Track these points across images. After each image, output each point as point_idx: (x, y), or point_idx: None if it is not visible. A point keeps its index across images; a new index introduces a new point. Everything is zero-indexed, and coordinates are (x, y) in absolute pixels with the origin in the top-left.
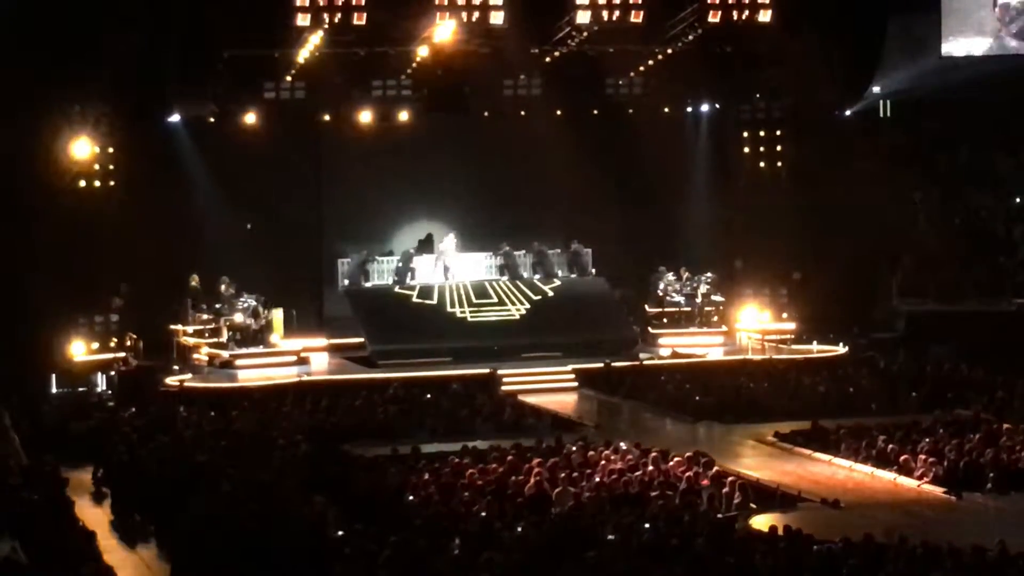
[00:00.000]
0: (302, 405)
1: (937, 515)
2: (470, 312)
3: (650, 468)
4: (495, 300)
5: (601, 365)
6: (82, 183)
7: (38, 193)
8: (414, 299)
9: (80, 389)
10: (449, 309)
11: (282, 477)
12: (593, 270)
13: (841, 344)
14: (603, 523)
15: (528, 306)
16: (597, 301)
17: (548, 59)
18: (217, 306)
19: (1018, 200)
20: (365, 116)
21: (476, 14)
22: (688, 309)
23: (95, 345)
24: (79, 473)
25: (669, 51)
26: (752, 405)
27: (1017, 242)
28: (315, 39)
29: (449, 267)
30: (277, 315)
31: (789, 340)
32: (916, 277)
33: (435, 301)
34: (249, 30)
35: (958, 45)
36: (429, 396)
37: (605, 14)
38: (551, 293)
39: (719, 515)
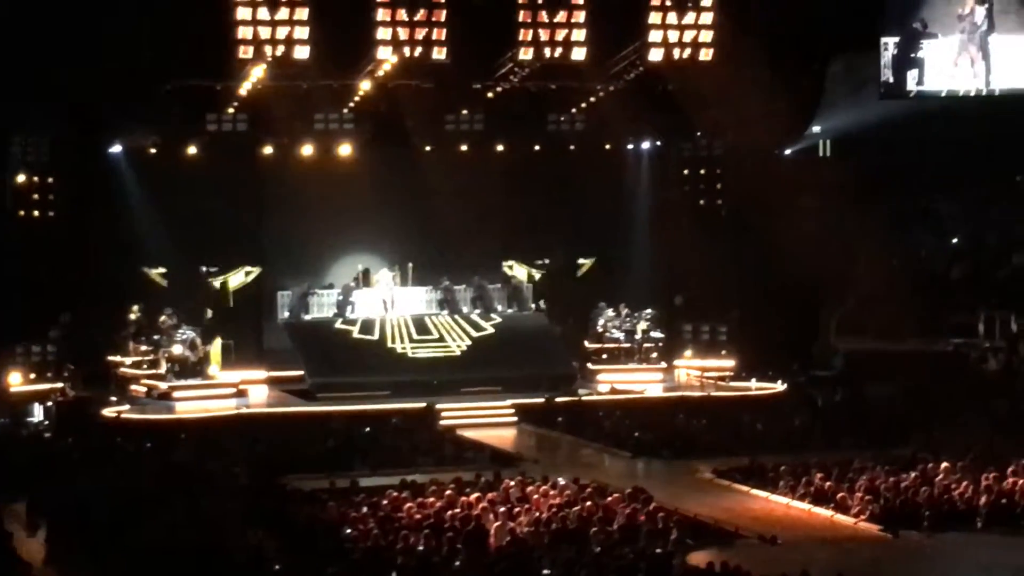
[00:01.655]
0: (241, 437)
1: (874, 553)
2: (411, 347)
3: (588, 504)
4: (436, 336)
5: (540, 400)
6: (22, 212)
7: None
8: (355, 334)
9: (16, 420)
10: (390, 344)
11: (220, 509)
12: (533, 305)
13: (780, 382)
14: (541, 558)
15: (469, 342)
16: (536, 336)
17: (490, 94)
18: (156, 337)
19: (956, 241)
20: (307, 149)
21: (419, 49)
22: (627, 345)
23: (33, 375)
24: (14, 505)
25: (611, 88)
26: (690, 441)
27: (955, 282)
28: (258, 72)
29: (388, 301)
30: (216, 346)
31: (728, 377)
32: (855, 316)
33: (376, 336)
34: (192, 62)
35: (902, 82)
36: (368, 429)
37: (547, 51)
38: (491, 330)
39: (657, 551)
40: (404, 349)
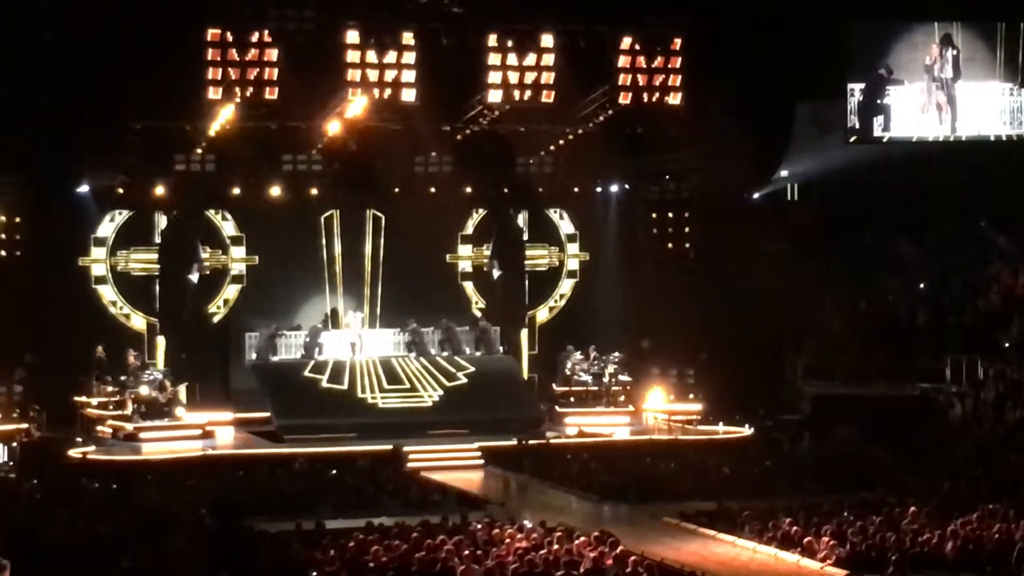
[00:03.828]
0: (206, 479)
1: None
2: (381, 398)
3: (555, 547)
4: (407, 386)
5: (507, 443)
6: None
7: None
8: (324, 383)
9: None
10: (360, 395)
11: (185, 552)
12: (501, 348)
13: (747, 425)
14: None
15: (441, 392)
16: (504, 379)
17: (459, 137)
18: (123, 378)
19: (922, 286)
20: (275, 190)
21: (388, 91)
22: (595, 388)
23: None
24: None
25: (580, 131)
26: (657, 485)
27: (921, 326)
28: (227, 112)
29: (356, 343)
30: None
31: (695, 421)
32: (821, 359)
33: (345, 386)
34: (161, 102)
35: (868, 128)
36: (335, 471)
37: (516, 93)
38: (464, 379)
39: None
40: (375, 399)
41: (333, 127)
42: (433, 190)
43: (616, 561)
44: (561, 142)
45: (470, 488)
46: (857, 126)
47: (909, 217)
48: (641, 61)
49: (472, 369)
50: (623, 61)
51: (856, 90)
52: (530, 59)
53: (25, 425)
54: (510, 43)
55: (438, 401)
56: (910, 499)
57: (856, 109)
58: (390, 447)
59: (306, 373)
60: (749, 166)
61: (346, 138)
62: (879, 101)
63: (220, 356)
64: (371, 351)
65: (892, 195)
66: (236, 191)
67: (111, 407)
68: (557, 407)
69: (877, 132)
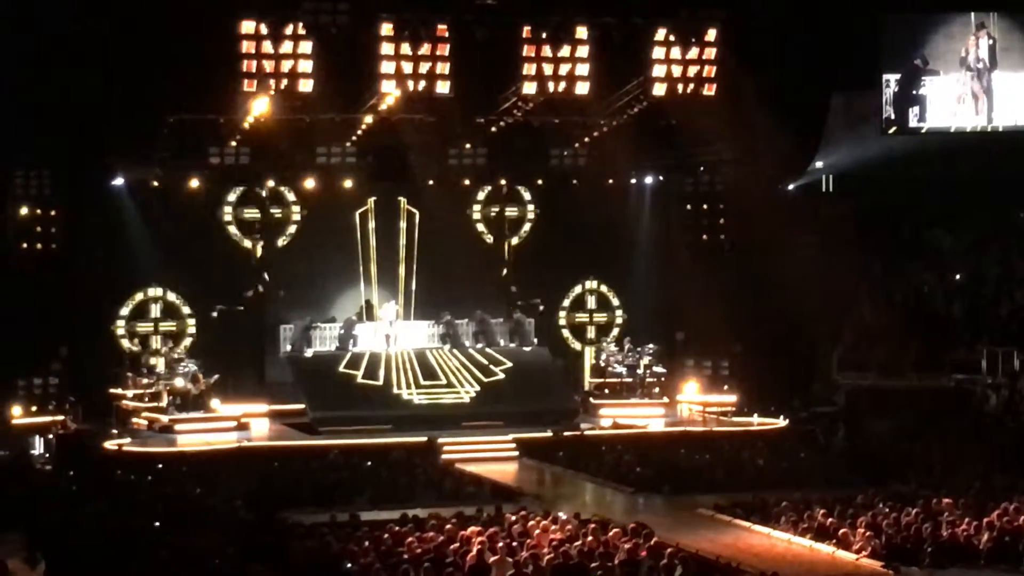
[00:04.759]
0: (241, 471)
1: None
2: (417, 393)
3: (590, 539)
4: (444, 382)
5: (541, 434)
6: (24, 244)
7: None
8: (359, 379)
9: (18, 452)
10: (395, 390)
11: (219, 544)
12: (535, 340)
13: (781, 417)
14: None
15: (478, 388)
16: (539, 371)
17: (493, 129)
18: (158, 370)
19: (957, 277)
20: (309, 182)
21: (422, 83)
22: (630, 380)
23: (33, 408)
24: (14, 537)
25: (614, 123)
26: (692, 477)
27: (956, 319)
28: (261, 105)
29: (391, 335)
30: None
31: (730, 412)
32: (856, 352)
33: (381, 382)
34: (195, 95)
35: (904, 119)
36: (369, 463)
37: (551, 85)
38: (501, 375)
39: None
40: (411, 395)
41: (367, 119)
42: (467, 182)
43: (651, 553)
44: (595, 134)
45: (505, 480)
46: (893, 117)
47: (944, 208)
48: (675, 52)
49: (508, 364)
50: (657, 52)
51: (891, 81)
52: (564, 51)
53: (61, 417)
54: (544, 35)
55: (475, 396)
56: (945, 491)
57: (892, 100)
58: (425, 439)
59: (341, 368)
60: (784, 158)
61: (380, 130)
62: (915, 92)
63: (255, 348)
64: (405, 343)
65: (927, 186)
66: (271, 183)
67: (146, 399)
68: (592, 399)
69: (913, 123)
